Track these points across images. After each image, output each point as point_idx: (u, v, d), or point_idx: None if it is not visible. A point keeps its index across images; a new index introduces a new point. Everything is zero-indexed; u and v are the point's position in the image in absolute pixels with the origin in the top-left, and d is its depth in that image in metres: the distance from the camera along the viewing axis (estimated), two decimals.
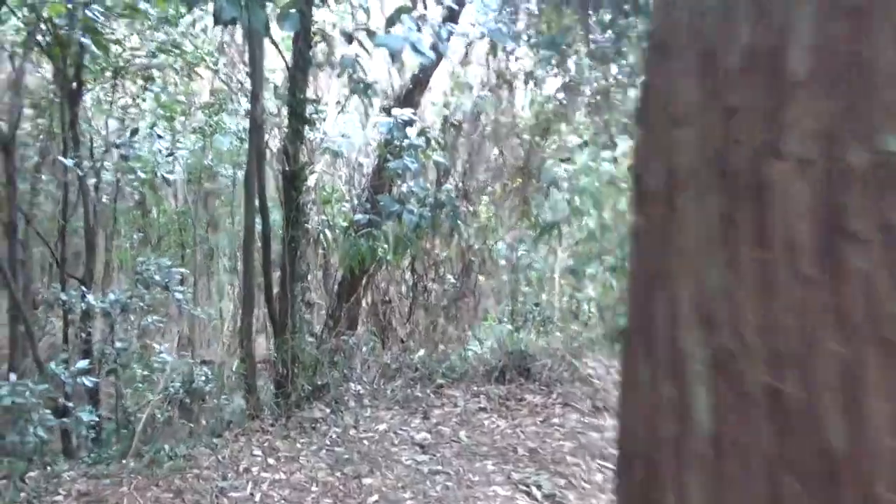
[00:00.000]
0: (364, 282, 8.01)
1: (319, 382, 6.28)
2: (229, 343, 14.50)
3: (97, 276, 9.66)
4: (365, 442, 5.07)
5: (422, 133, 5.87)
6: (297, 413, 5.75)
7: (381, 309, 8.62)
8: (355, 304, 8.09)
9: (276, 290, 6.18)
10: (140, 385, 7.28)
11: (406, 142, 5.63)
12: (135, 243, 13.61)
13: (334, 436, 5.21)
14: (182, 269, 7.78)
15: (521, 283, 7.34)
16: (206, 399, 11.22)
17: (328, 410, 5.87)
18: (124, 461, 4.93)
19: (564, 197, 6.60)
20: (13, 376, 5.31)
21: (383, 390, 6.31)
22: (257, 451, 4.94)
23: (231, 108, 9.19)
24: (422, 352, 6.58)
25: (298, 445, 5.02)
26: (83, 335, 6.98)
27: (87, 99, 9.02)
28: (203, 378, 11.24)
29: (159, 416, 8.34)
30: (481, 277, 7.67)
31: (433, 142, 6.05)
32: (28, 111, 8.73)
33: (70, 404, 5.46)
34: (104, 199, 9.29)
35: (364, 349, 7.33)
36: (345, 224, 7.17)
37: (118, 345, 7.03)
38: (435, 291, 8.21)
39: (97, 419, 5.68)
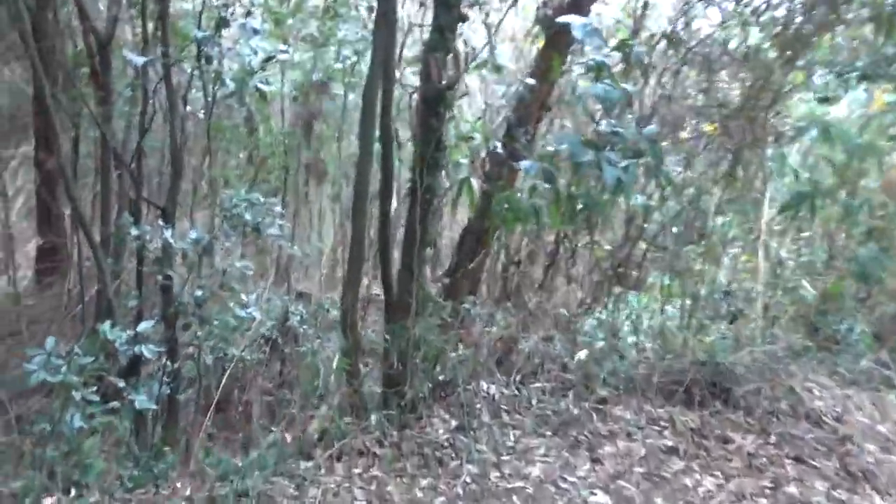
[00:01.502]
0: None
1: (442, 378, 4.55)
2: (327, 278, 13.17)
3: (190, 203, 8.23)
4: (515, 500, 3.30)
5: (622, 47, 3.83)
6: (415, 428, 4.05)
7: (509, 273, 6.74)
8: (478, 266, 6.25)
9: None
10: (222, 342, 5.79)
11: (597, 58, 3.62)
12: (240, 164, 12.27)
13: (469, 479, 3.47)
14: (277, 205, 6.13)
15: (710, 262, 5.33)
16: (299, 340, 9.89)
17: (454, 424, 4.14)
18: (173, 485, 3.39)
19: (810, 156, 4.51)
20: (50, 342, 3.83)
21: (524, 397, 4.51)
22: (360, 496, 3.27)
23: (351, 14, 7.32)
24: (583, 354, 4.70)
25: (419, 493, 3.31)
26: (160, 279, 5.49)
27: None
28: (298, 317, 9.89)
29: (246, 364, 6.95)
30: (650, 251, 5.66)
31: (631, 62, 3.99)
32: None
33: (121, 383, 3.98)
34: (200, 114, 7.72)
35: (493, 329, 5.53)
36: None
37: (198, 293, 5.51)
38: (584, 258, 6.26)
39: (153, 407, 4.19)
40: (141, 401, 3.89)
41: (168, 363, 5.70)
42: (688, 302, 5.33)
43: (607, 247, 6.26)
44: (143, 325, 4.26)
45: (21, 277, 11.20)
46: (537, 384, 4.80)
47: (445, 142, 4.02)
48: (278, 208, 6.01)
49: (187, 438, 5.87)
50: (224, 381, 7.34)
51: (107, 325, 4.17)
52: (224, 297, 5.64)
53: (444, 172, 4.10)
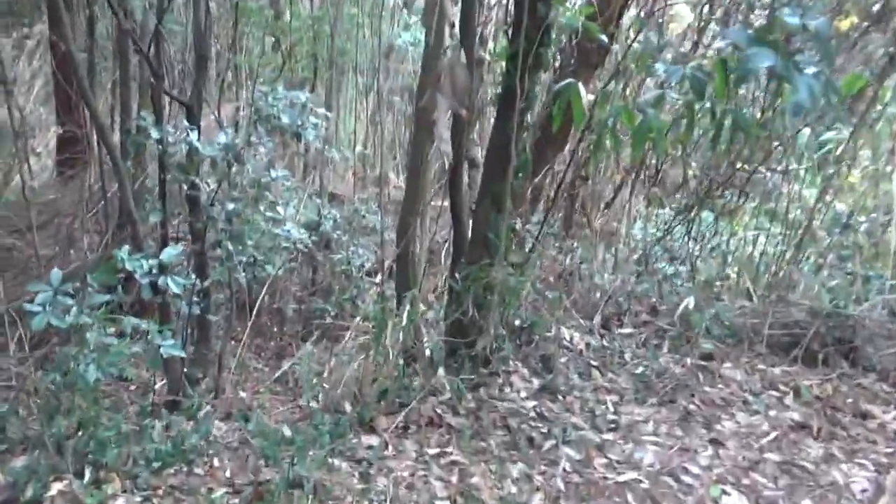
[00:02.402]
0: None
1: (518, 323, 3.76)
2: (359, 178, 12.26)
3: (216, 96, 7.23)
4: (630, 499, 2.58)
5: None
6: (492, 387, 3.30)
7: (574, 189, 5.77)
8: (540, 181, 5.31)
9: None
10: (258, 259, 5.00)
11: None
12: (265, 51, 11.09)
13: (568, 466, 2.75)
14: (316, 105, 5.14)
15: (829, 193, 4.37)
16: (332, 246, 9.14)
17: (537, 384, 3.39)
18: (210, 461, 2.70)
19: None
20: (56, 275, 3.05)
21: (615, 350, 3.73)
22: (440, 490, 2.56)
23: None
24: (690, 300, 3.85)
25: (511, 486, 2.59)
26: (185, 188, 4.65)
27: None
28: (331, 221, 9.08)
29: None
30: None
31: None
32: None
33: (142, 323, 3.23)
34: None
35: (568, 260, 4.69)
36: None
37: (229, 206, 4.68)
38: (670, 175, 5.31)
39: (181, 354, 3.44)
40: (168, 346, 3.15)
41: (197, 282, 4.98)
42: (798, 233, 4.42)
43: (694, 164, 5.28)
44: (168, 253, 3.46)
45: (41, 168, 10.41)
46: (625, 330, 4.02)
47: (551, 33, 3.02)
48: (320, 110, 5.06)
49: (219, 368, 5.25)
50: (259, 300, 6.68)
51: (124, 250, 3.38)
52: (257, 210, 4.83)
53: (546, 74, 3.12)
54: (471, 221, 3.49)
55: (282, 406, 5.77)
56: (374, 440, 2.84)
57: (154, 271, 3.34)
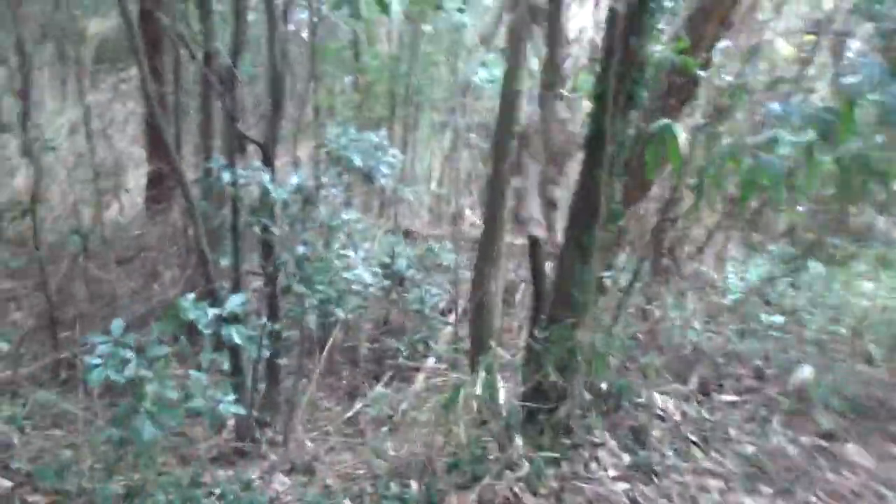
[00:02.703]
0: None
1: (604, 387, 3.36)
2: (433, 214, 12.10)
3: (294, 134, 7.20)
4: None
5: None
6: (577, 464, 2.91)
7: (662, 231, 5.30)
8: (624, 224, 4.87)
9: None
10: (329, 301, 4.80)
11: None
12: (343, 90, 11.17)
13: None
14: (390, 146, 4.94)
15: None
16: (406, 285, 8.92)
17: (627, 460, 2.97)
18: None
19: None
20: (116, 326, 2.91)
21: (717, 423, 3.26)
22: None
23: None
24: (806, 368, 3.36)
25: None
26: (258, 230, 4.52)
27: None
28: (405, 260, 8.89)
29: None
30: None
31: None
32: None
33: (204, 378, 3.04)
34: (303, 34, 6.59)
35: (657, 311, 4.24)
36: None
37: (300, 250, 4.51)
38: (770, 217, 4.80)
39: (242, 412, 3.19)
40: (227, 406, 2.94)
41: (268, 324, 4.84)
42: None
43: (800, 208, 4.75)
44: (235, 301, 3.28)
45: (131, 205, 10.75)
46: (726, 397, 3.54)
47: (646, 69, 2.68)
48: (394, 151, 4.87)
49: (289, 413, 5.06)
50: (330, 340, 6.50)
51: (189, 299, 3.23)
52: (329, 253, 4.64)
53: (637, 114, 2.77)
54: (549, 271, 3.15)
55: (349, 455, 5.53)
56: None
57: (215, 324, 3.16)
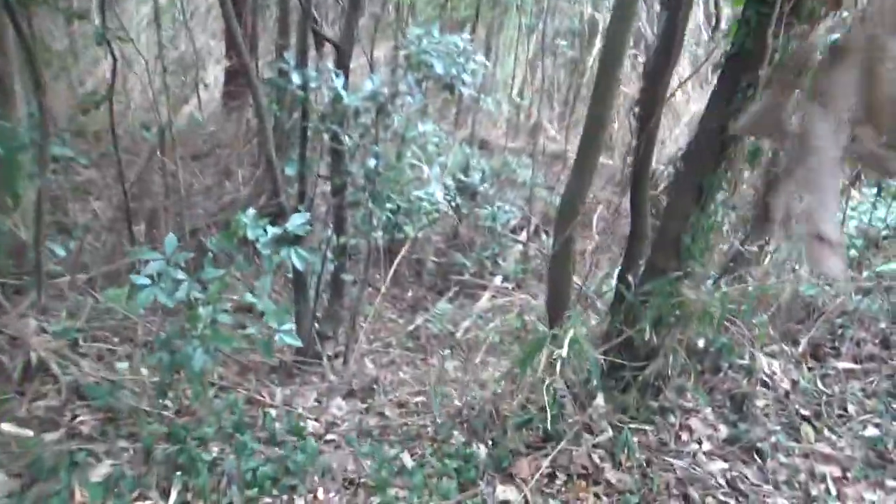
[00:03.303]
0: None
1: (702, 344, 2.91)
2: (511, 125, 11.42)
3: (372, 34, 6.64)
4: None
5: None
6: (662, 432, 2.53)
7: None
8: None
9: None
10: (397, 220, 4.46)
11: None
12: None
13: None
14: (475, 51, 4.37)
15: None
16: (477, 198, 8.49)
17: (724, 433, 2.57)
18: None
19: None
20: (170, 241, 2.64)
21: (834, 396, 2.79)
22: None
23: None
24: None
25: None
26: (328, 140, 4.14)
27: None
28: (479, 173, 8.42)
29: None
30: None
31: None
32: None
33: (260, 304, 2.78)
34: None
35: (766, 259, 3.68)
36: None
37: (371, 163, 4.13)
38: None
39: (298, 344, 2.85)
40: (284, 338, 2.68)
41: (334, 238, 4.57)
42: None
43: None
44: (297, 221, 2.95)
45: (209, 99, 10.54)
46: (842, 364, 3.04)
47: None
48: (478, 57, 4.31)
49: (351, 326, 4.85)
50: (397, 260, 6.22)
51: (248, 214, 2.92)
52: (401, 168, 4.23)
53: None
54: (646, 216, 2.65)
55: (409, 374, 5.34)
56: (511, 493, 2.20)
57: (274, 244, 2.86)
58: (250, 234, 2.85)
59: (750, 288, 2.78)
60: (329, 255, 4.52)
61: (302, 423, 2.96)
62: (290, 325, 2.75)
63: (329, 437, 3.25)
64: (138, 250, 2.73)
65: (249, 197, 7.42)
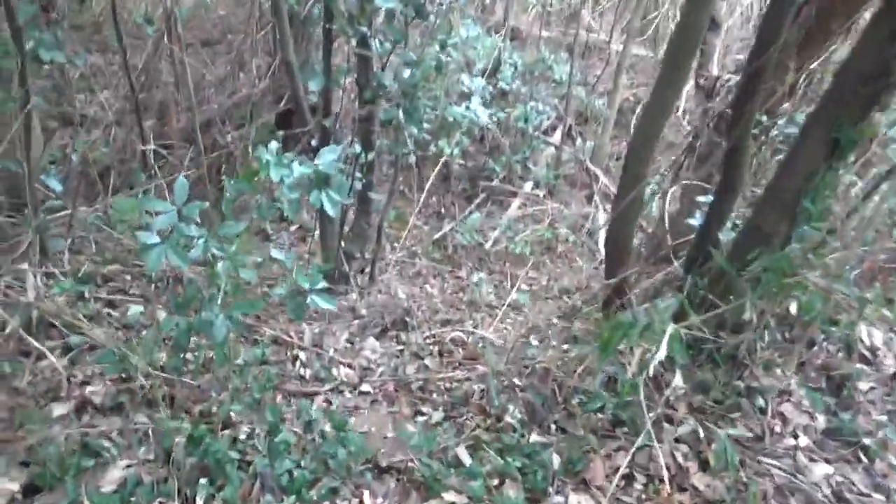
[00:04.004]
0: None
1: (791, 309, 2.49)
2: (545, 13, 10.37)
3: None
4: None
5: None
6: (752, 424, 2.18)
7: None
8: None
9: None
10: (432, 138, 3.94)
11: None
12: None
13: None
14: None
15: None
16: (509, 98, 7.79)
17: (822, 424, 2.22)
18: None
19: None
20: (182, 186, 2.19)
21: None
22: None
23: None
24: None
25: None
26: (355, 42, 3.53)
27: None
28: (511, 68, 7.70)
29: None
30: None
31: None
32: None
33: (287, 260, 2.35)
34: None
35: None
36: None
37: (405, 74, 3.55)
38: None
39: (331, 307, 2.47)
40: (315, 300, 2.28)
41: (363, 154, 4.07)
42: None
43: None
44: (326, 157, 2.47)
45: None
46: None
47: None
48: None
49: (377, 243, 4.45)
50: (429, 181, 5.72)
51: (270, 148, 2.44)
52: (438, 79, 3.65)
53: None
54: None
55: (438, 299, 5.01)
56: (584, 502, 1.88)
57: (299, 187, 2.40)
58: (274, 176, 2.39)
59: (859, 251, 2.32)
60: (356, 174, 4.05)
61: (334, 370, 2.63)
62: (322, 284, 2.36)
63: (364, 387, 2.97)
64: (148, 199, 2.28)
65: (265, 96, 6.81)
